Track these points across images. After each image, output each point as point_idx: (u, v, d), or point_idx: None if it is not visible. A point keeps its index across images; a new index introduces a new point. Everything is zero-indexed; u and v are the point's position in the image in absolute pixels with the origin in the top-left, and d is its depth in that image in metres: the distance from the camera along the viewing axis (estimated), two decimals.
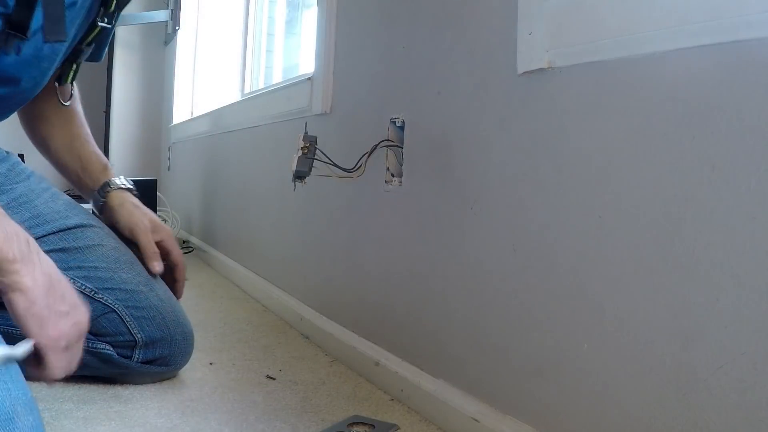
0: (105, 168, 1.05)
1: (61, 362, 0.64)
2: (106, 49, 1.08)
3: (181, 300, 1.02)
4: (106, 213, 1.02)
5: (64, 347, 0.64)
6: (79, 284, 0.90)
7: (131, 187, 1.05)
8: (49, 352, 0.63)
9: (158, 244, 1.00)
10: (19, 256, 0.60)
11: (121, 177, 1.05)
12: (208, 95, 2.57)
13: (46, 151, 1.07)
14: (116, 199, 1.01)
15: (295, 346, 1.17)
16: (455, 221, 0.82)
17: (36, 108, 1.04)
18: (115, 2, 0.94)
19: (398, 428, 0.80)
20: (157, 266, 0.97)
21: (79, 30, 0.92)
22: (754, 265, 0.47)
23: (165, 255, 1.01)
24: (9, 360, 0.52)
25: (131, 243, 1.00)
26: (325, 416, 0.83)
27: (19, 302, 0.61)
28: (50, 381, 0.64)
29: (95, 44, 1.01)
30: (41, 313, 0.62)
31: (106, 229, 1.00)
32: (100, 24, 0.95)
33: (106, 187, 1.02)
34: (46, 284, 0.63)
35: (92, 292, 0.90)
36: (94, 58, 1.06)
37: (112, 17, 0.97)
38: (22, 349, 0.54)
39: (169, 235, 1.03)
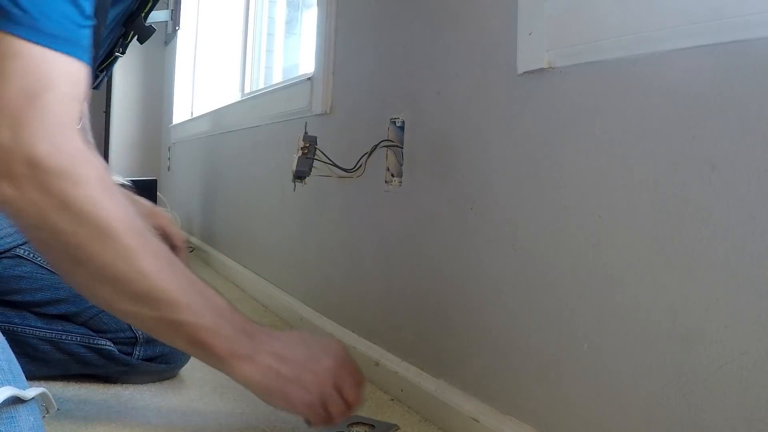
0: None
1: (321, 417, 0.70)
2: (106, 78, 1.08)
3: None
4: None
5: (320, 403, 0.69)
6: None
7: (126, 183, 1.03)
8: (308, 417, 0.70)
9: (159, 229, 0.97)
10: (243, 352, 0.67)
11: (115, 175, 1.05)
12: (208, 95, 2.57)
13: None
14: None
15: None
16: (455, 221, 0.82)
17: None
18: (131, 35, 0.92)
19: (398, 428, 0.80)
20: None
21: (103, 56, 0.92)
22: (753, 265, 0.47)
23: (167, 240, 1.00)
24: (18, 401, 0.53)
25: None
26: None
27: (258, 390, 0.68)
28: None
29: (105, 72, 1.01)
30: (281, 391, 0.68)
31: None
32: (117, 54, 0.93)
33: None
34: (275, 363, 0.68)
35: None
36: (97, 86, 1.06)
37: (126, 47, 0.96)
38: (33, 392, 0.54)
39: (169, 220, 1.01)
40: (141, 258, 0.63)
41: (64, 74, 0.62)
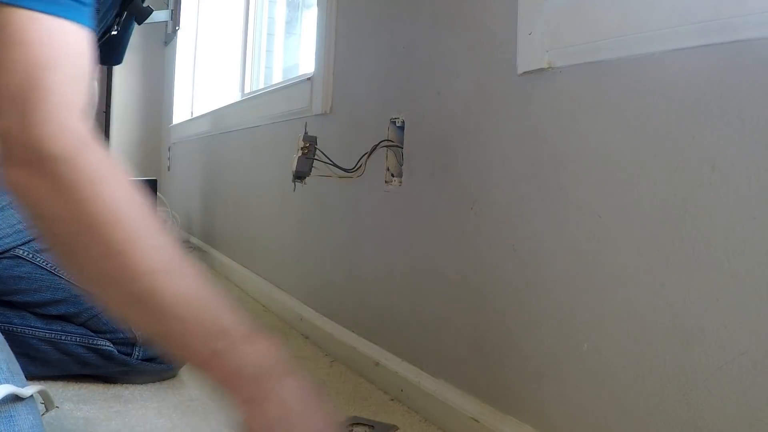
0: None
1: None
2: (125, 52, 1.06)
3: None
4: None
5: None
6: None
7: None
8: None
9: None
10: (247, 395, 0.54)
11: None
12: (208, 95, 2.57)
13: None
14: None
15: (295, 346, 1.16)
16: (455, 221, 0.82)
17: None
18: (126, 12, 0.91)
19: (398, 428, 0.80)
20: None
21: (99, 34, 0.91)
22: (754, 265, 0.47)
23: None
24: (17, 399, 0.53)
25: None
26: None
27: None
28: None
29: (105, 49, 1.00)
30: None
31: None
32: (112, 33, 0.91)
33: None
34: (279, 423, 0.55)
35: None
36: (111, 61, 1.04)
37: (120, 26, 0.93)
38: (31, 389, 0.54)
39: None
40: (139, 253, 0.55)
41: (67, 50, 0.57)
